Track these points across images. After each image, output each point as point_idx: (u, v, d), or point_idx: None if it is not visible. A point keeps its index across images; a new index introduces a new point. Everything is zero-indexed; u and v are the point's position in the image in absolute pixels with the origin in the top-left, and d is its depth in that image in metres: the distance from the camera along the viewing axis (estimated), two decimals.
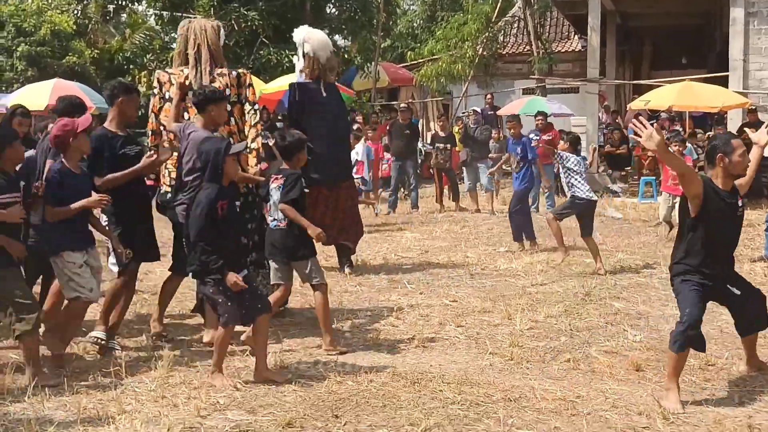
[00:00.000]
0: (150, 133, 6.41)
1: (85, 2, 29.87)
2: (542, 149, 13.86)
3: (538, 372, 5.26)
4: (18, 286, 5.03)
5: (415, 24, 34.04)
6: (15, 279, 5.03)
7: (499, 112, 18.60)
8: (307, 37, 7.60)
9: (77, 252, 5.35)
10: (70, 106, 6.11)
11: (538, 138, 13.91)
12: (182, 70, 6.42)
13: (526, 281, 8.17)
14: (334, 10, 23.84)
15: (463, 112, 18.49)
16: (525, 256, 9.39)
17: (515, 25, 23.32)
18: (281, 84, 16.19)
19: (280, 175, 5.71)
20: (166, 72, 6.50)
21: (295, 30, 7.77)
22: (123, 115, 5.86)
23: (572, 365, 5.39)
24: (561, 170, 9.06)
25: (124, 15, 30.15)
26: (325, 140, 8.11)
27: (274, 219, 5.72)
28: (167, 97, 6.32)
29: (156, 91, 6.39)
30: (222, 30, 6.71)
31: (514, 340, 5.90)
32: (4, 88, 22.66)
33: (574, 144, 9.26)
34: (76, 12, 26.87)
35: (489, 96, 19.76)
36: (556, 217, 8.86)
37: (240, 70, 6.72)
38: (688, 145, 12.27)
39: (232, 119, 6.40)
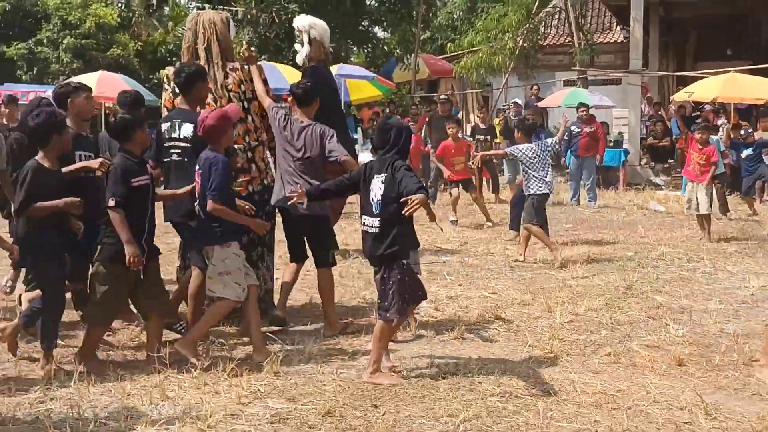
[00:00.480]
0: None
1: None
2: (585, 141, 13.76)
3: (578, 365, 5.23)
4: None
5: (455, 15, 33.84)
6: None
7: (540, 104, 18.44)
8: (313, 23, 7.49)
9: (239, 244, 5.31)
10: (134, 101, 6.13)
11: (580, 130, 13.85)
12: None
13: (567, 274, 8.11)
14: (374, 2, 23.84)
15: (504, 105, 18.37)
16: (565, 249, 9.32)
17: (556, 16, 23.07)
18: None
19: None
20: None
21: (297, 18, 7.61)
22: (200, 100, 5.87)
23: (613, 359, 5.35)
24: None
25: (167, 8, 30.52)
26: (343, 124, 7.97)
27: None
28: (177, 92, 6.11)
29: (167, 86, 6.24)
30: (231, 22, 6.47)
31: (554, 333, 5.86)
32: (50, 80, 23.09)
33: (527, 132, 9.05)
34: (120, 5, 27.30)
35: (535, 87, 19.52)
36: (531, 225, 8.71)
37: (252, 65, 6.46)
38: (714, 136, 12.00)
39: (249, 117, 6.20)
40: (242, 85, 6.22)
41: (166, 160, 5.81)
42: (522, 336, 5.89)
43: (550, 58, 22.48)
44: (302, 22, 7.47)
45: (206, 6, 22.17)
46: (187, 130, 5.65)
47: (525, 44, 20.70)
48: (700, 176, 10.14)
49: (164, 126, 5.84)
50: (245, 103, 6.17)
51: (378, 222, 4.80)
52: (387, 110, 22.70)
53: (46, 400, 4.52)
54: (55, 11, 24.72)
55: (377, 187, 4.84)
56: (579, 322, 6.30)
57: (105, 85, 16.19)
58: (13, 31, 25.56)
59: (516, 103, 15.45)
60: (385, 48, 24.85)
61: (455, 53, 23.05)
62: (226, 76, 6.15)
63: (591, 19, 23.21)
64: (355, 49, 24.64)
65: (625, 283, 7.58)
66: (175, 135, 5.69)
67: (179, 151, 5.69)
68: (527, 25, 20.49)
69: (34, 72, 24.35)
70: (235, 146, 6.03)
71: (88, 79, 16.77)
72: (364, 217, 4.96)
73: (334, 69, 16.93)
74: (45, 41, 24.45)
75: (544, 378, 4.94)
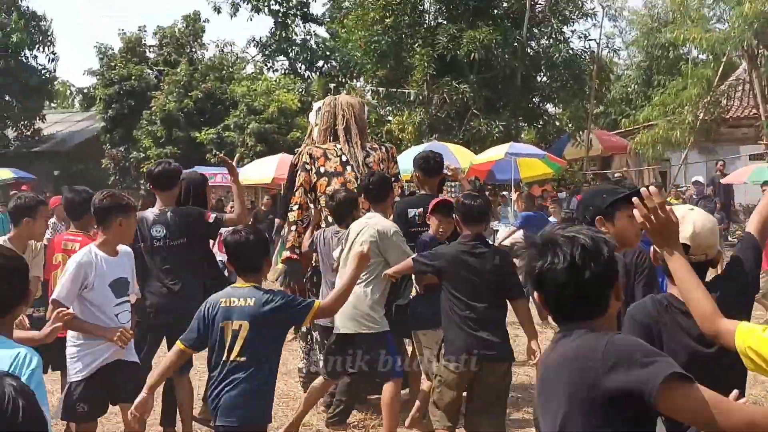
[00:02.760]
0: (297, 207, 6.23)
1: (308, 81, 32.11)
2: None
3: None
4: None
5: (629, 89, 33.17)
6: None
7: (724, 180, 17.50)
8: None
9: None
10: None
11: None
12: (335, 146, 6.31)
13: None
14: (545, 78, 23.78)
15: (682, 186, 17.53)
16: None
17: (739, 87, 22.01)
18: (491, 155, 16.33)
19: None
20: (320, 147, 6.35)
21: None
22: (428, 185, 6.03)
23: None
24: None
25: (344, 91, 31.97)
26: None
27: None
28: (321, 171, 6.22)
29: (308, 165, 6.25)
30: (366, 107, 6.55)
31: None
32: (235, 163, 24.61)
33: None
34: (300, 90, 28.85)
35: (720, 163, 18.54)
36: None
37: (388, 145, 6.53)
38: None
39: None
40: (382, 164, 6.29)
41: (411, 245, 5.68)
42: None
43: (733, 131, 21.38)
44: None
45: (379, 89, 23.05)
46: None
47: (706, 118, 19.82)
48: None
49: (413, 212, 5.86)
50: None
51: None
52: (557, 186, 22.35)
53: None
54: (242, 98, 26.51)
55: None
56: None
57: (285, 167, 16.96)
58: (204, 118, 27.59)
59: (697, 182, 14.68)
60: (557, 123, 24.60)
61: (630, 128, 22.44)
62: (367, 155, 6.28)
63: None
64: (525, 125, 24.62)
65: None
66: (420, 221, 5.72)
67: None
68: (708, 98, 19.64)
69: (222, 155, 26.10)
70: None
71: (270, 161, 17.76)
72: None
73: (505, 147, 17.02)
74: (232, 126, 26.16)
75: None
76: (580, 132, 22.98)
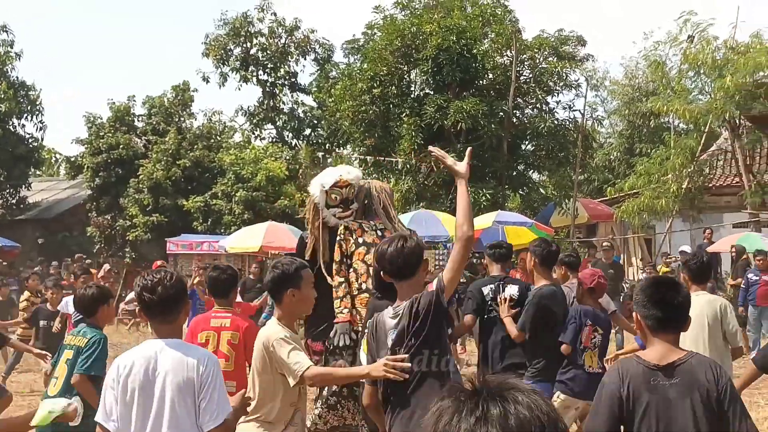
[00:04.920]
0: (342, 281, 6.45)
1: (296, 149, 32.36)
2: (764, 290, 12.88)
3: None
4: None
5: (612, 156, 33.64)
6: None
7: (710, 249, 17.59)
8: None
9: None
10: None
11: (758, 279, 13.02)
12: (370, 222, 6.59)
13: None
14: (530, 147, 24.10)
15: (670, 257, 17.58)
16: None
17: (722, 156, 22.35)
18: (478, 223, 16.35)
19: None
20: (355, 221, 6.60)
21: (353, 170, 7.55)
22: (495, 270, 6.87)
23: None
24: None
25: (330, 159, 32.21)
26: None
27: None
28: (360, 242, 6.43)
29: (344, 237, 6.45)
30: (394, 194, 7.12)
31: None
32: (222, 231, 24.57)
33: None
34: (287, 158, 29.01)
35: (708, 231, 18.63)
36: None
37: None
38: None
39: None
40: None
41: (485, 317, 6.59)
42: None
43: (716, 199, 21.60)
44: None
45: (367, 157, 23.24)
46: (513, 290, 6.50)
47: (690, 186, 20.05)
48: None
49: (488, 288, 6.60)
50: None
51: None
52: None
53: None
54: (229, 167, 26.59)
55: None
56: None
57: (272, 235, 17.04)
58: (191, 186, 27.62)
59: (683, 252, 14.75)
60: (542, 191, 24.80)
61: (615, 197, 22.68)
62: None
63: (760, 159, 22.31)
64: (510, 193, 24.84)
65: None
66: (504, 296, 6.44)
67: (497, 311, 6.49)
68: (691, 167, 19.92)
69: (209, 223, 26.02)
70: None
71: (257, 229, 17.74)
72: None
73: (492, 216, 17.09)
74: (219, 194, 26.17)
75: None
76: (566, 200, 23.17)
